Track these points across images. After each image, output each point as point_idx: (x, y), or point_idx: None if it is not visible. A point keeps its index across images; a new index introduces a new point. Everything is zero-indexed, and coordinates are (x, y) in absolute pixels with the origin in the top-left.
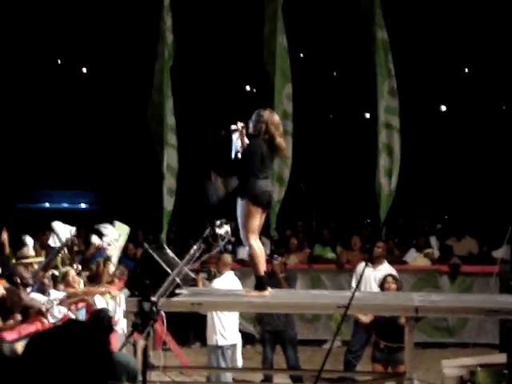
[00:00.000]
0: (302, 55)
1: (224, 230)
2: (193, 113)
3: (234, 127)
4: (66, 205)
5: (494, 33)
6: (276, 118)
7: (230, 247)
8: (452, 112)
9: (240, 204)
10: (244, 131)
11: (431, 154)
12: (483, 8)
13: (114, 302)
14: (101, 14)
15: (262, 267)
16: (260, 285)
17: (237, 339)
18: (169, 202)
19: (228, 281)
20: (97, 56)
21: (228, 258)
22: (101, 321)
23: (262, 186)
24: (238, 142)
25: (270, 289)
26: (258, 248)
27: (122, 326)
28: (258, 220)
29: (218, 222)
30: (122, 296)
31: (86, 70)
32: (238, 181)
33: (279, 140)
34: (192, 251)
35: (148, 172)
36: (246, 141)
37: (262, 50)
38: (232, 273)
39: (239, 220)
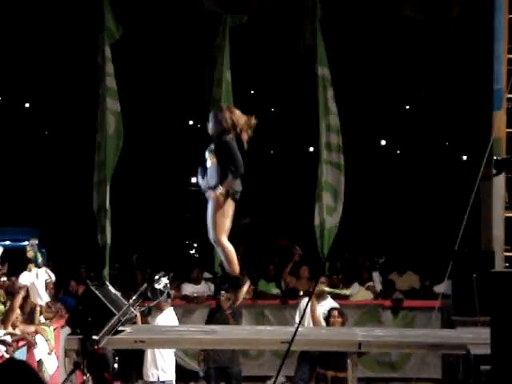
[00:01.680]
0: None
1: (162, 284)
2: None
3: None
4: (8, 242)
5: (437, 70)
6: (234, 109)
7: (169, 300)
8: (392, 147)
9: (214, 202)
10: None
11: (372, 190)
12: (426, 46)
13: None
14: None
15: (237, 266)
16: (238, 285)
17: (173, 375)
18: (103, 239)
19: (168, 317)
20: (39, 91)
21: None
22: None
23: (238, 185)
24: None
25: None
26: (231, 247)
27: (49, 363)
28: (229, 219)
29: (156, 277)
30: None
31: (29, 105)
32: (216, 177)
33: (246, 133)
34: (129, 303)
35: (89, 207)
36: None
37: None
38: (171, 309)
39: (210, 219)
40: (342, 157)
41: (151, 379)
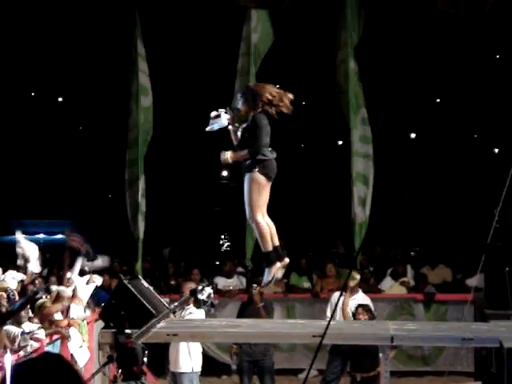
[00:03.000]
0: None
1: (206, 294)
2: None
3: (221, 110)
4: (42, 235)
5: (465, 63)
6: (262, 84)
7: (212, 310)
8: (422, 140)
9: (249, 178)
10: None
11: (404, 182)
12: (455, 40)
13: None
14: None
15: (270, 243)
16: (269, 261)
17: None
18: (138, 232)
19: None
20: (72, 85)
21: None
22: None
23: (273, 161)
24: (226, 124)
25: (281, 262)
26: (266, 224)
27: (82, 355)
28: (265, 195)
29: (199, 288)
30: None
31: (62, 99)
32: (249, 154)
33: (285, 101)
34: (170, 309)
35: (122, 201)
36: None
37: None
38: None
39: (246, 196)
40: (371, 147)
41: (183, 370)
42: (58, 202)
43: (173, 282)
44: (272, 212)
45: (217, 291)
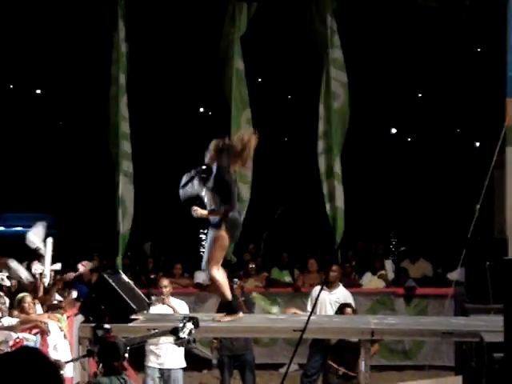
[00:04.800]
0: (260, 80)
1: (187, 331)
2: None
3: (187, 179)
4: (20, 228)
5: (449, 58)
6: (227, 139)
7: (194, 345)
8: (403, 135)
9: (214, 234)
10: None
11: (385, 177)
12: (437, 33)
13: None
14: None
15: (229, 292)
16: (232, 309)
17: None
18: (123, 227)
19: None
20: (51, 77)
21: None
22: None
23: (238, 218)
24: (198, 185)
25: (240, 313)
26: (221, 277)
27: (63, 350)
28: (225, 251)
29: (180, 325)
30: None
31: (41, 91)
32: (224, 213)
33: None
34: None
35: (104, 195)
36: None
37: (218, 72)
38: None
39: (207, 248)
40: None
41: (175, 366)
42: (37, 196)
43: (153, 276)
44: (254, 206)
45: (197, 285)
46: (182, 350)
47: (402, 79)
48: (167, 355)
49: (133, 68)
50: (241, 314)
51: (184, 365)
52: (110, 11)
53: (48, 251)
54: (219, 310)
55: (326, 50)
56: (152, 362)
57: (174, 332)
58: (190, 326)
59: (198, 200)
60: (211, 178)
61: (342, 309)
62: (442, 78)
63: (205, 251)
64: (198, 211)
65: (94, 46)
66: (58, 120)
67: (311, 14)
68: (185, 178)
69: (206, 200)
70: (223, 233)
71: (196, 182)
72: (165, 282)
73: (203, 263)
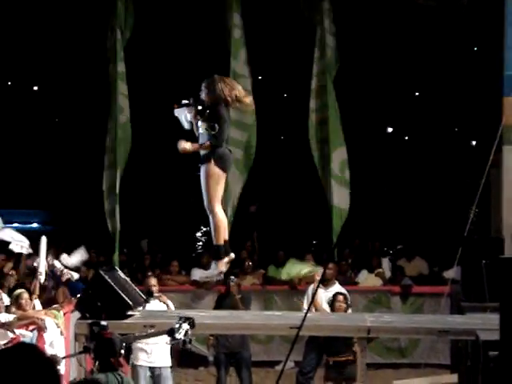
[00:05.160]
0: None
1: (183, 331)
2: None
3: (186, 101)
4: (17, 224)
5: (446, 57)
6: (228, 79)
7: (189, 346)
8: (398, 134)
9: (205, 169)
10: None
11: (381, 176)
12: (434, 32)
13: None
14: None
15: (223, 236)
16: (218, 255)
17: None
18: (115, 224)
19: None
20: (48, 73)
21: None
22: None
23: (228, 154)
24: (189, 116)
25: (228, 257)
26: (222, 216)
27: (59, 347)
28: (222, 186)
29: (176, 326)
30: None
31: (38, 88)
32: (210, 147)
33: (244, 98)
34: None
35: (101, 191)
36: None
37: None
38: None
39: (203, 186)
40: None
41: (166, 364)
42: (33, 192)
43: (150, 273)
44: (249, 204)
45: (194, 283)
46: (169, 347)
47: (399, 78)
48: (157, 353)
49: (132, 65)
50: (225, 259)
51: (171, 363)
52: (108, 9)
53: (42, 249)
54: (217, 307)
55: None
56: (142, 360)
57: (171, 333)
58: (185, 326)
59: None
60: (206, 111)
61: (335, 296)
62: (438, 77)
63: (202, 191)
64: (182, 144)
65: (91, 43)
66: (55, 117)
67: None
68: (183, 102)
69: (196, 131)
70: (213, 167)
71: (191, 110)
72: (152, 281)
73: (205, 203)
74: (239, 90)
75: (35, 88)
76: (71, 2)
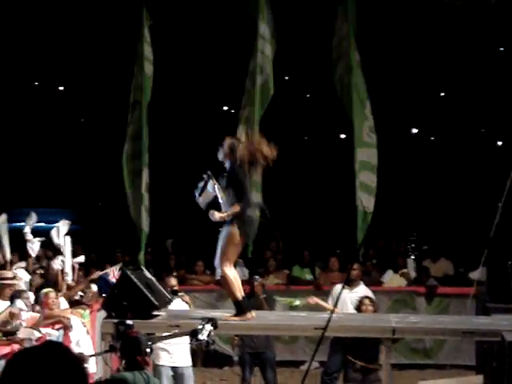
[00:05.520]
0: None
1: (206, 332)
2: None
3: (200, 185)
4: (42, 224)
5: (471, 57)
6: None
7: (212, 347)
8: (424, 134)
9: (227, 231)
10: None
11: (408, 177)
12: (460, 32)
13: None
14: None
15: (239, 292)
16: (240, 310)
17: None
18: (146, 223)
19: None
20: (73, 73)
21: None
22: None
23: (252, 215)
24: (212, 188)
25: (253, 312)
26: (232, 275)
27: (85, 345)
28: (238, 250)
29: (199, 327)
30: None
31: (63, 88)
32: (240, 210)
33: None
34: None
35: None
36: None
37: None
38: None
39: (220, 245)
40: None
41: (187, 364)
42: (60, 192)
43: (175, 273)
44: (275, 205)
45: (219, 282)
46: (189, 347)
47: (424, 78)
48: (178, 353)
49: (156, 69)
50: (249, 316)
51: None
52: (135, 10)
53: (67, 249)
54: None
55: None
56: (164, 360)
57: (194, 334)
58: (208, 327)
59: (215, 203)
60: (224, 176)
61: (361, 300)
62: (464, 77)
63: (217, 248)
64: (216, 214)
65: (117, 44)
66: (80, 117)
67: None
68: (199, 186)
69: (220, 200)
70: (235, 230)
71: (210, 184)
72: (173, 281)
73: (216, 260)
74: (255, 150)
75: (61, 88)
76: (98, 3)
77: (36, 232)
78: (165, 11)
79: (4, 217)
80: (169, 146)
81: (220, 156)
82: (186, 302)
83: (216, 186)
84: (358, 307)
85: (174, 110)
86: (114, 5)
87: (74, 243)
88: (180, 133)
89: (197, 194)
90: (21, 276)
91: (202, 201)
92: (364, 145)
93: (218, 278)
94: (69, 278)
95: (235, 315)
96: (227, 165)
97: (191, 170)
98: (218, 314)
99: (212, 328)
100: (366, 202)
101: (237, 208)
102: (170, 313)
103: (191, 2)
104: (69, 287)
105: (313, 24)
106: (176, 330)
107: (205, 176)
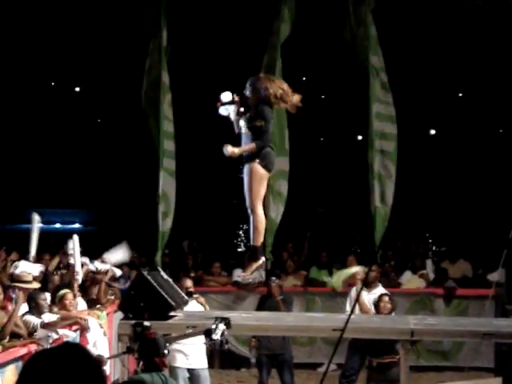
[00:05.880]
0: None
1: (220, 332)
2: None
3: (229, 97)
4: (58, 225)
5: (489, 57)
6: (275, 78)
7: (226, 346)
8: (442, 136)
9: (249, 169)
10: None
11: (426, 178)
12: (478, 33)
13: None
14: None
15: (261, 238)
16: (256, 255)
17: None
18: (164, 225)
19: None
20: (90, 74)
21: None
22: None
23: (273, 154)
24: (233, 114)
25: (263, 258)
26: (263, 217)
27: (102, 347)
28: (265, 186)
29: (213, 326)
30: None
31: (79, 89)
32: (257, 148)
33: (290, 97)
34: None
35: (144, 192)
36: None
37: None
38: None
39: (246, 185)
40: (392, 144)
41: (204, 366)
42: (76, 192)
43: (192, 275)
44: (292, 207)
45: (236, 284)
46: (205, 348)
47: (443, 78)
48: (194, 355)
49: (175, 68)
50: (260, 261)
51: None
52: (152, 11)
53: (76, 248)
54: (258, 309)
55: (367, 53)
56: (181, 362)
57: (208, 334)
58: (222, 327)
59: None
60: (251, 111)
61: (380, 297)
62: (482, 77)
63: (245, 190)
64: (229, 148)
65: (134, 45)
66: (97, 117)
67: (349, 15)
68: (226, 96)
69: (241, 132)
70: (257, 166)
71: (235, 108)
72: (188, 282)
73: (247, 202)
74: (285, 90)
75: (77, 89)
76: (114, 5)
77: (51, 232)
78: (182, 14)
79: (37, 217)
80: (185, 149)
81: (247, 92)
82: (201, 304)
83: (235, 113)
84: (377, 304)
85: (198, 113)
86: (129, 5)
87: (90, 244)
88: (202, 136)
89: (221, 101)
90: (30, 271)
91: (223, 109)
92: (376, 151)
93: (234, 279)
94: (79, 278)
95: (250, 262)
96: (253, 101)
97: (211, 171)
98: (235, 314)
99: (225, 327)
100: (379, 207)
101: (253, 146)
102: (187, 313)
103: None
104: (80, 287)
105: (330, 25)
106: (190, 330)
107: (232, 97)
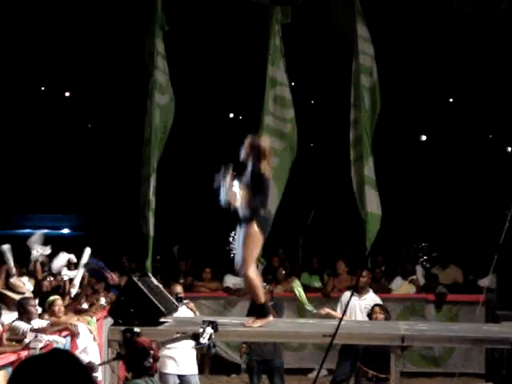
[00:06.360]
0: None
1: (207, 335)
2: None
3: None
4: (46, 230)
5: (480, 63)
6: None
7: (213, 350)
8: (432, 141)
9: (247, 229)
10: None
11: (416, 184)
12: (468, 39)
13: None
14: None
15: (262, 294)
16: (263, 312)
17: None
18: (148, 230)
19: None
20: (80, 79)
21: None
22: None
23: (269, 217)
24: (227, 185)
25: (271, 317)
26: (256, 277)
27: (92, 353)
28: (258, 250)
29: (200, 330)
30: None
31: (70, 94)
32: (248, 210)
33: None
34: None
35: (134, 198)
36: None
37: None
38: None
39: (240, 246)
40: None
41: (194, 372)
42: (66, 198)
43: (182, 281)
44: (283, 211)
45: (226, 289)
46: (195, 355)
47: (432, 84)
48: (185, 361)
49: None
50: (270, 318)
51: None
52: (146, 15)
53: (83, 261)
54: (249, 314)
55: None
56: (171, 368)
57: (195, 338)
58: (209, 330)
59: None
60: (247, 174)
61: (372, 308)
62: (473, 83)
63: (237, 249)
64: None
65: (126, 50)
66: (87, 122)
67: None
68: (218, 180)
69: (238, 197)
70: (256, 228)
71: (227, 179)
72: (178, 288)
73: (237, 262)
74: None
75: (67, 94)
76: (106, 9)
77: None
78: (179, 18)
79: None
80: (175, 152)
81: (242, 154)
82: (191, 310)
83: (233, 181)
84: (369, 315)
85: (181, 116)
86: (121, 9)
87: (79, 249)
88: (186, 138)
89: (217, 188)
90: (27, 287)
91: (223, 196)
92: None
93: (225, 285)
94: (74, 291)
95: (258, 318)
96: (249, 163)
97: (200, 177)
98: (225, 320)
99: (212, 331)
100: (370, 213)
101: (253, 207)
102: (177, 319)
103: (205, 8)
104: (72, 298)
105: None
106: (178, 335)
107: (223, 169)
